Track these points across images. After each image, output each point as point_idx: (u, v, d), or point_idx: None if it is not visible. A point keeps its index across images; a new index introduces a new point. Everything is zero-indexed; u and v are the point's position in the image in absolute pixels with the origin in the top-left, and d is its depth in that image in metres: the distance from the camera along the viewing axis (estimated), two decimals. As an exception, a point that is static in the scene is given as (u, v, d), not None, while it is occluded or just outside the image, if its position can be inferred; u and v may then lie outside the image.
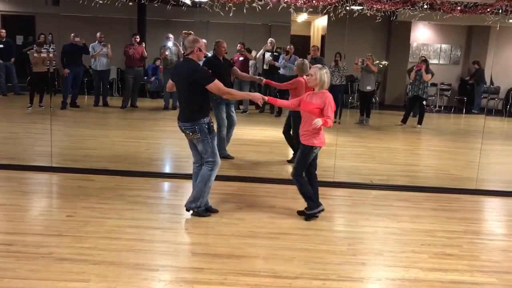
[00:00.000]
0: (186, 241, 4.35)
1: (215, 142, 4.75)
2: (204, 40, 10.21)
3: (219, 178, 6.00)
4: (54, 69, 11.14)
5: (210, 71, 6.70)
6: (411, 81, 11.25)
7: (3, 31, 11.68)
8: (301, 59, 7.45)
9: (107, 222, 4.54)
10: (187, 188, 5.44)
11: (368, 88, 10.69)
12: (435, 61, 13.54)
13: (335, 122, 10.94)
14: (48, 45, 10.88)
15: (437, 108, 13.33)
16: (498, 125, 12.23)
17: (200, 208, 4.76)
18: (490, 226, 5.26)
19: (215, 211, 4.91)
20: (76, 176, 5.94)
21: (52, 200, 5.37)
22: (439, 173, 7.12)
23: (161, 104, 11.11)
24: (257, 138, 8.90)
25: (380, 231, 4.73)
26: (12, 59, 11.60)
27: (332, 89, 11.19)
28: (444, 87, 13.68)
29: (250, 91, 10.41)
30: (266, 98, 4.81)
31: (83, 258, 3.80)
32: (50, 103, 9.62)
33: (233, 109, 7.24)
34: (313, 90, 4.81)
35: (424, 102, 10.97)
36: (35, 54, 10.19)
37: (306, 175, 4.90)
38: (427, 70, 10.67)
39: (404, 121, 10.96)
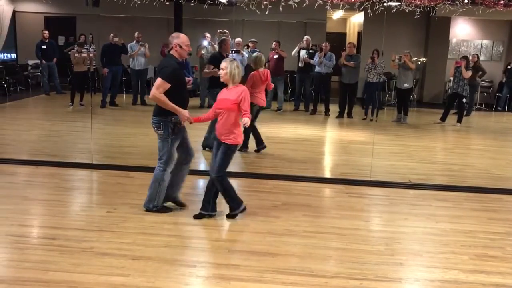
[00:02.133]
0: (223, 238, 4.39)
1: (175, 145, 4.64)
2: (239, 39, 10.31)
3: (254, 176, 6.05)
4: (94, 69, 11.47)
5: (212, 66, 6.84)
6: (450, 78, 10.99)
7: (46, 32, 12.08)
8: (256, 53, 7.54)
9: (145, 218, 4.63)
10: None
11: (406, 85, 10.49)
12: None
13: (371, 120, 10.84)
14: (88, 45, 11.18)
15: (477, 106, 12.96)
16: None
17: (157, 207, 4.73)
18: (534, 227, 5.08)
19: (183, 204, 4.89)
20: (116, 173, 6.09)
21: (92, 196, 5.52)
22: (480, 173, 6.92)
23: (197, 103, 11.24)
24: (291, 136, 8.88)
25: (418, 231, 4.64)
26: (55, 59, 11.98)
27: (369, 86, 11.17)
28: (485, 84, 13.29)
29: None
30: (192, 119, 4.58)
31: (122, 253, 3.89)
32: (90, 102, 9.92)
33: None
34: (227, 86, 4.63)
35: (464, 100, 10.69)
36: (76, 54, 10.48)
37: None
38: (467, 67, 10.37)
39: (443, 119, 10.71)
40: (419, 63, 12.75)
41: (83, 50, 10.60)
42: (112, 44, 11.04)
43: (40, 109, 11.26)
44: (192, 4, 10.06)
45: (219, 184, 4.60)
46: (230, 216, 4.72)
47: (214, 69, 6.76)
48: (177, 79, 4.49)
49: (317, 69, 11.09)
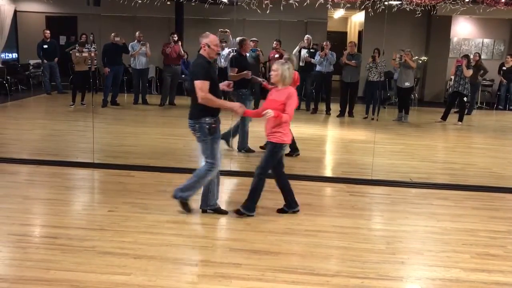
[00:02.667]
0: (224, 236, 4.40)
1: (217, 145, 4.60)
2: (254, 38, 10.22)
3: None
4: (95, 68, 11.47)
5: (237, 68, 6.80)
6: (451, 77, 10.98)
7: (48, 32, 12.10)
8: (287, 54, 7.44)
9: (147, 217, 4.64)
10: (225, 185, 5.50)
11: (407, 84, 10.48)
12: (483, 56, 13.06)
13: (372, 119, 10.83)
14: (89, 45, 11.19)
15: (478, 105, 12.95)
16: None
17: (185, 200, 4.68)
18: (535, 226, 5.07)
19: (224, 212, 4.79)
20: (117, 172, 6.09)
21: (94, 195, 5.54)
22: (481, 171, 6.92)
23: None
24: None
25: (419, 230, 4.65)
26: (56, 59, 11.99)
27: (370, 85, 11.17)
28: (486, 83, 13.28)
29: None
30: (244, 109, 4.66)
31: (124, 252, 3.90)
32: (91, 101, 9.93)
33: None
34: (277, 86, 4.67)
35: (465, 99, 10.68)
36: (77, 54, 10.49)
37: (276, 172, 4.80)
38: (468, 66, 10.36)
39: (444, 117, 10.70)
40: (420, 62, 12.76)
41: (84, 50, 10.62)
42: (113, 43, 11.06)
43: (41, 108, 11.28)
44: (193, 4, 10.07)
45: (256, 180, 4.67)
46: (238, 212, 4.74)
47: (244, 72, 6.74)
48: (210, 77, 4.49)
49: (318, 68, 11.09)
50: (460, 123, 10.54)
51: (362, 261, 3.91)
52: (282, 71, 4.57)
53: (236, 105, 4.65)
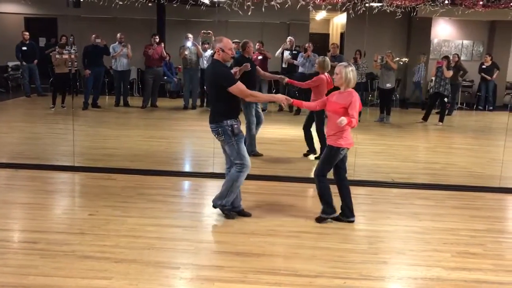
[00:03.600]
0: (207, 239, 4.37)
1: (242, 145, 4.63)
2: (236, 40, 10.26)
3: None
4: (75, 70, 11.32)
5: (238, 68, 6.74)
6: (432, 78, 11.11)
7: (27, 33, 11.89)
8: (322, 56, 7.42)
9: (128, 220, 4.59)
10: (208, 187, 5.48)
11: (388, 85, 10.58)
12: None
13: (354, 120, 10.83)
14: (69, 47, 11.04)
15: (459, 105, 13.11)
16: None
17: (226, 207, 4.69)
18: (514, 224, 5.16)
19: (247, 214, 4.81)
20: (98, 175, 6.02)
21: (74, 199, 5.46)
22: (462, 171, 7.01)
23: (180, 104, 11.19)
24: (276, 136, 8.89)
25: (401, 230, 4.68)
26: (35, 61, 11.81)
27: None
28: (466, 84, 13.46)
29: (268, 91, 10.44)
30: (291, 100, 4.73)
31: (105, 256, 3.84)
32: (72, 103, 9.79)
33: (259, 107, 7.29)
34: (339, 89, 4.71)
35: (446, 99, 10.81)
36: (57, 56, 10.36)
37: (336, 179, 4.79)
38: (448, 67, 10.50)
39: (425, 118, 10.82)
40: (401, 63, 12.88)
41: (64, 52, 10.47)
42: (94, 45, 10.95)
43: (20, 111, 11.09)
44: (175, 5, 10.02)
45: (318, 182, 4.70)
46: (319, 219, 4.74)
47: (244, 65, 6.51)
48: (235, 78, 4.67)
49: (300, 69, 11.13)
50: (441, 123, 10.67)
51: (345, 262, 3.92)
52: (346, 73, 4.56)
53: (281, 97, 4.72)
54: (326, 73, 6.96)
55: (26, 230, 4.37)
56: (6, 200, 5.06)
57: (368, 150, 7.92)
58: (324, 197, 4.73)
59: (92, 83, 10.87)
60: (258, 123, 7.25)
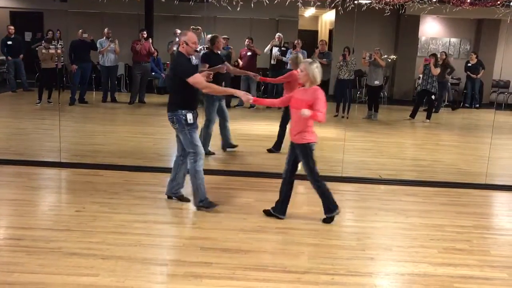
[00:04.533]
0: (195, 235, 4.35)
1: (195, 135, 4.79)
2: (225, 36, 10.17)
3: (226, 173, 6.04)
4: (62, 65, 11.19)
5: (208, 65, 6.70)
6: (419, 75, 11.18)
7: (12, 27, 11.72)
8: (295, 52, 7.40)
9: (115, 217, 4.56)
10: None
11: (376, 82, 10.63)
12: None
13: (343, 117, 10.92)
14: (56, 41, 10.91)
15: (446, 102, 13.23)
16: (508, 119, 12.11)
17: (203, 202, 4.80)
18: (500, 221, 5.21)
19: (186, 200, 5.03)
20: (85, 171, 5.97)
21: (61, 195, 5.40)
22: (448, 168, 7.07)
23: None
24: (264, 133, 8.87)
25: (388, 226, 4.71)
26: (21, 56, 11.64)
27: (340, 83, 11.25)
28: (453, 82, 13.57)
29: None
30: (251, 98, 4.63)
31: (92, 252, 3.81)
32: (58, 99, 9.70)
33: (223, 102, 7.05)
34: (304, 86, 4.64)
35: (433, 97, 10.89)
36: (44, 51, 10.23)
37: (289, 174, 4.77)
38: (436, 64, 10.57)
39: (412, 115, 10.89)
40: (389, 60, 12.95)
41: (50, 46, 10.34)
42: (80, 40, 10.84)
43: (6, 106, 10.94)
44: (163, 0, 9.93)
45: (318, 188, 4.64)
46: (326, 220, 4.69)
47: (219, 66, 6.49)
48: (195, 69, 4.84)
49: (289, 66, 11.10)
50: (428, 120, 10.75)
51: (333, 258, 3.93)
52: (311, 70, 4.50)
53: (241, 92, 4.78)
54: (299, 69, 6.90)
55: (11, 227, 4.31)
56: (-10, 196, 4.99)
57: (356, 147, 7.95)
58: (325, 197, 4.67)
59: (79, 78, 10.76)
60: (224, 119, 7.06)
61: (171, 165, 6.44)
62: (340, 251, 4.08)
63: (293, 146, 4.66)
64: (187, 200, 5.02)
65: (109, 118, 10.06)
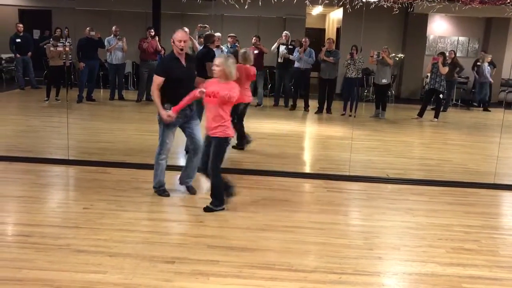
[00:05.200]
0: (202, 233, 4.35)
1: (168, 133, 4.95)
2: (218, 34, 10.22)
3: (233, 171, 6.03)
4: (70, 63, 11.25)
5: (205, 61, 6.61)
6: (427, 74, 11.12)
7: (21, 25, 11.80)
8: (244, 48, 7.29)
9: (123, 214, 4.57)
10: (202, 181, 5.44)
11: (384, 81, 10.59)
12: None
13: (350, 115, 10.89)
14: (64, 39, 10.97)
15: (454, 102, 13.16)
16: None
17: (156, 188, 5.11)
18: (509, 221, 5.18)
19: (193, 192, 5.23)
20: (92, 169, 5.99)
21: (69, 193, 5.43)
22: (456, 167, 7.03)
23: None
24: (271, 131, 8.88)
25: (396, 226, 4.69)
26: (29, 53, 11.72)
27: (348, 82, 11.22)
28: (461, 80, 13.50)
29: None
30: (172, 118, 4.76)
31: (99, 250, 3.83)
32: (66, 96, 9.75)
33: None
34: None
35: (441, 96, 10.83)
36: (52, 48, 10.28)
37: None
38: (444, 63, 10.51)
39: (420, 114, 10.84)
40: (397, 59, 12.88)
41: (58, 44, 10.39)
42: (88, 38, 10.87)
43: (14, 104, 11.01)
44: (171, -2, 9.94)
45: (212, 178, 4.66)
46: (207, 209, 4.72)
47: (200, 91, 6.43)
48: (168, 73, 4.75)
49: (296, 64, 11.10)
50: (436, 119, 10.69)
51: (340, 257, 3.92)
52: (227, 66, 4.51)
53: (163, 114, 4.78)
54: (248, 65, 6.81)
55: (19, 224, 4.34)
56: (-1, 193, 5.03)
57: (363, 145, 7.93)
58: (219, 190, 4.71)
59: (86, 76, 10.80)
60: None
61: (179, 162, 6.48)
62: (347, 250, 4.07)
63: (209, 138, 4.68)
64: (194, 192, 5.19)
65: (116, 116, 10.09)
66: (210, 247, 4.01)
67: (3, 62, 12.66)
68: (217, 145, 4.60)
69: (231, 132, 4.65)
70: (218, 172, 4.67)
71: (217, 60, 4.61)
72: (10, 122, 8.78)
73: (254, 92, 11.38)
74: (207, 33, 7.11)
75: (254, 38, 11.24)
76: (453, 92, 12.59)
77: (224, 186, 4.78)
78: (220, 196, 4.73)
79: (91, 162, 6.21)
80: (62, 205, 4.87)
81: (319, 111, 10.95)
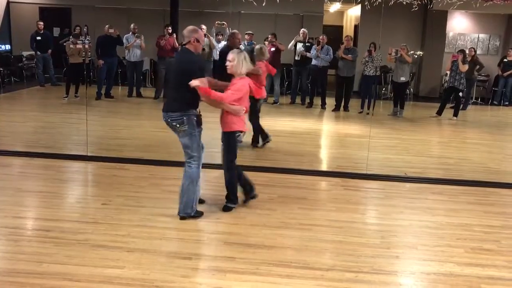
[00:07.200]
0: (219, 230, 4.37)
1: (198, 148, 4.47)
2: (249, 32, 10.17)
3: (251, 168, 6.04)
4: (89, 60, 11.38)
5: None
6: (447, 72, 10.97)
7: (41, 23, 11.97)
8: (259, 45, 7.25)
9: (141, 210, 4.61)
10: (219, 178, 5.45)
11: (402, 79, 10.47)
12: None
13: (367, 113, 10.81)
14: (83, 37, 11.09)
15: (473, 100, 12.97)
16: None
17: (195, 211, 4.51)
18: (529, 221, 5.09)
19: (202, 201, 4.82)
20: (111, 165, 6.05)
21: (87, 188, 5.50)
22: (476, 166, 6.93)
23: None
24: (288, 129, 8.86)
25: (414, 225, 4.64)
26: (49, 51, 11.88)
27: (366, 79, 11.14)
28: (481, 78, 13.28)
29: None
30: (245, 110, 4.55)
31: (118, 245, 3.87)
32: (85, 93, 9.86)
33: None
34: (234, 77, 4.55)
35: (461, 94, 10.68)
36: (71, 46, 10.41)
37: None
38: (464, 61, 10.36)
39: (439, 112, 10.71)
40: (416, 56, 12.74)
41: (78, 42, 10.52)
42: (107, 35, 10.98)
43: (34, 100, 11.18)
44: (188, -4, 9.97)
45: (225, 174, 4.67)
46: (226, 208, 4.73)
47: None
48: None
49: (313, 62, 11.06)
50: (455, 118, 10.55)
51: (357, 255, 3.90)
52: (239, 61, 4.47)
53: (238, 108, 4.50)
54: (264, 61, 6.79)
55: (39, 218, 4.41)
56: (20, 188, 5.11)
57: (381, 144, 7.86)
58: (233, 185, 4.70)
59: (105, 73, 10.92)
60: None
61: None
62: (364, 248, 4.04)
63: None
64: (203, 201, 4.83)
65: (134, 112, 10.17)
66: (227, 243, 4.03)
67: (24, 59, 12.84)
68: (225, 140, 4.62)
69: (239, 127, 4.55)
70: (231, 166, 4.66)
71: (229, 55, 4.54)
72: (30, 118, 8.92)
73: (271, 90, 11.38)
74: (233, 31, 7.13)
75: (270, 35, 11.23)
76: (472, 90, 12.40)
77: (249, 188, 4.80)
78: (234, 191, 4.73)
79: (109, 158, 6.27)
80: (81, 201, 4.93)
81: (336, 109, 10.89)
